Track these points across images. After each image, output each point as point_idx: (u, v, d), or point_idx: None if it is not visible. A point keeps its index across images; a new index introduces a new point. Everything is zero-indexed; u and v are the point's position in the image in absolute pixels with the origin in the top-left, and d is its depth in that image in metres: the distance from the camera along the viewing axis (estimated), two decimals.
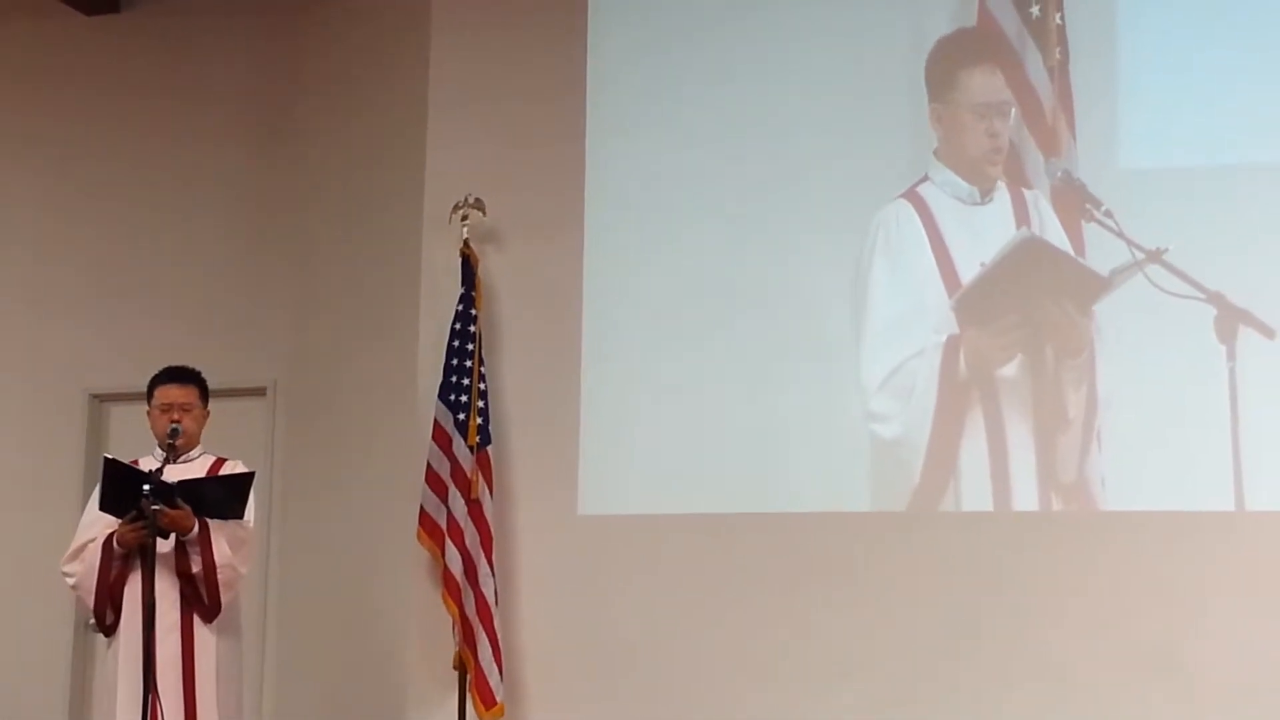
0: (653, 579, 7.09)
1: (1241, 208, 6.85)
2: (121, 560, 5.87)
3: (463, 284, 7.18)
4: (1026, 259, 6.98)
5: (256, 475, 6.20)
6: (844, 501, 7.01)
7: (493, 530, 7.02)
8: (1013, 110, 7.06)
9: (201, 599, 5.89)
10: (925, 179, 7.11)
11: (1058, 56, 7.09)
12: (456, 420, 7.04)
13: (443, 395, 7.08)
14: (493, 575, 6.97)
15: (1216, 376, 6.77)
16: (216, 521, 5.95)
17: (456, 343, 7.11)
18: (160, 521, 5.75)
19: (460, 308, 7.14)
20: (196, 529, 5.90)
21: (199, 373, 6.22)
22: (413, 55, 7.52)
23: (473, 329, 7.12)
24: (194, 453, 6.14)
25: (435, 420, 7.07)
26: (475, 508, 7.01)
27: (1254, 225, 6.84)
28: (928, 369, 6.99)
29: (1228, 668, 6.59)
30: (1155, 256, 6.82)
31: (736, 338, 7.16)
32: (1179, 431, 6.76)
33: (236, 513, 5.95)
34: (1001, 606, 6.79)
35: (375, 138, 7.72)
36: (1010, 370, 6.95)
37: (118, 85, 8.33)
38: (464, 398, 7.05)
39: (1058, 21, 7.10)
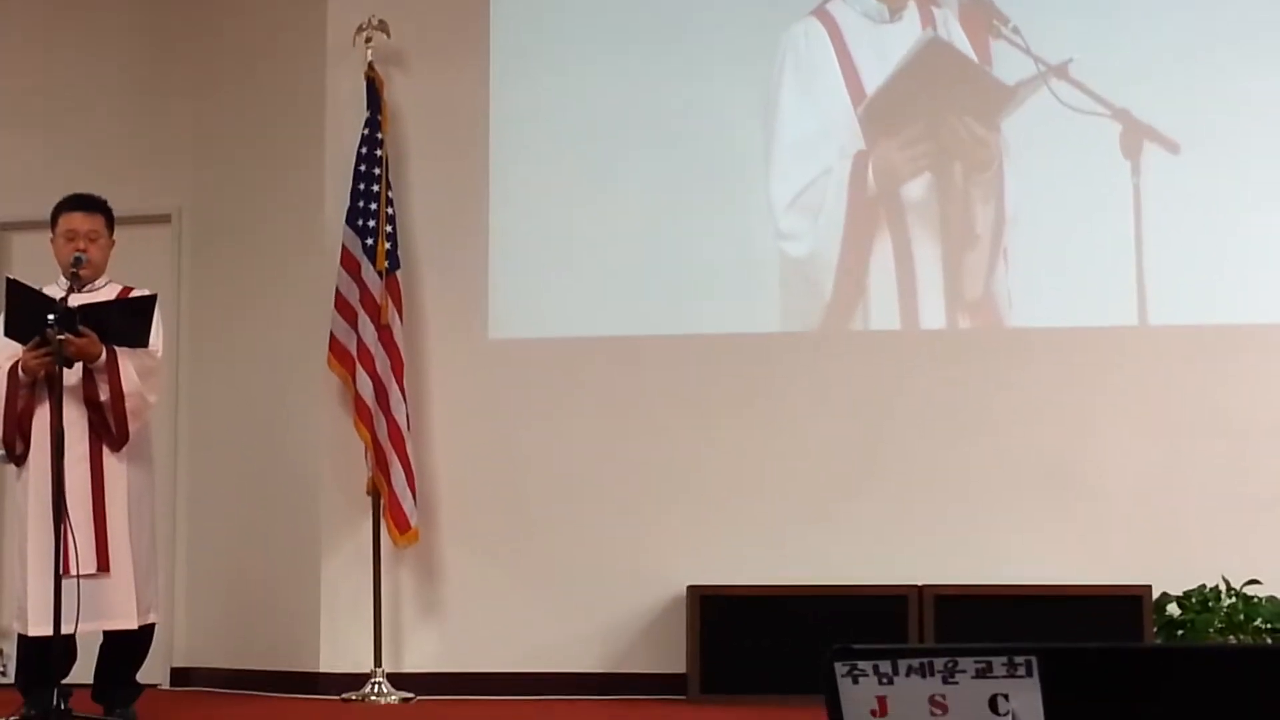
0: (564, 402, 7.13)
1: (1149, 25, 6.91)
2: (28, 389, 5.79)
3: (368, 108, 7.09)
4: (932, 63, 6.96)
5: (164, 305, 6.11)
6: (756, 321, 7.05)
7: (403, 355, 7.00)
8: None
9: (110, 428, 5.84)
10: None
11: None
12: (365, 245, 6.98)
13: (350, 220, 7.02)
14: (404, 400, 6.97)
15: (1122, 192, 6.85)
16: (125, 350, 5.87)
17: (363, 167, 7.03)
18: (66, 350, 5.65)
19: (366, 132, 7.06)
20: (104, 357, 5.82)
21: (104, 200, 6.08)
22: None
23: (379, 153, 7.04)
24: (100, 282, 6.01)
25: (343, 246, 7.01)
26: (385, 333, 6.98)
27: (1160, 42, 6.89)
28: (836, 186, 6.99)
29: (1129, 476, 6.78)
30: (1061, 71, 6.83)
31: (646, 160, 7.13)
32: (1085, 248, 6.86)
33: (141, 340, 5.85)
34: (909, 422, 6.90)
35: None
36: (918, 186, 6.97)
37: None
38: (372, 223, 6.99)
39: None
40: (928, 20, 7.01)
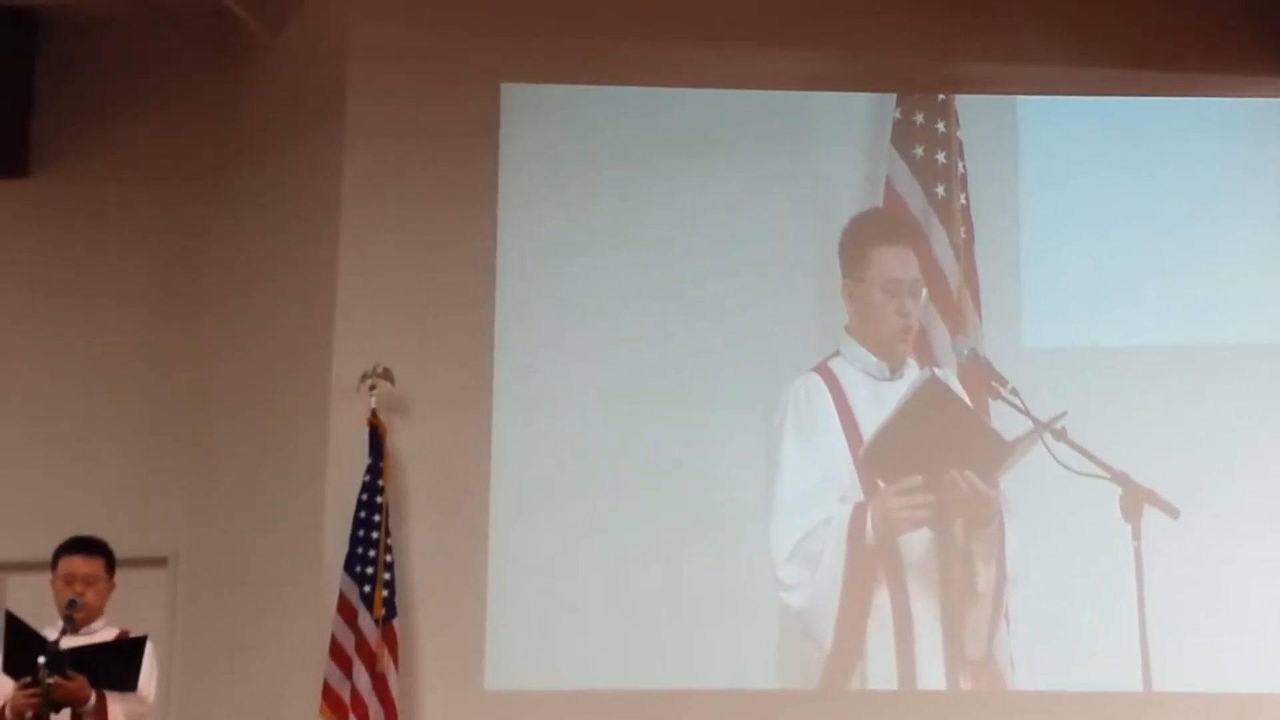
0: None
1: (1145, 388, 7.02)
2: None
3: (370, 454, 7.13)
4: (930, 407, 7.01)
5: (158, 648, 6.06)
6: (754, 675, 6.96)
7: (398, 705, 6.89)
8: (923, 290, 7.15)
9: None
10: (836, 354, 7.17)
11: (963, 236, 7.22)
12: (362, 593, 6.95)
13: (348, 567, 7.00)
14: None
15: (1123, 555, 6.85)
16: (115, 694, 5.80)
17: (363, 514, 7.04)
18: (55, 694, 5.59)
19: (367, 478, 7.09)
20: (93, 701, 5.74)
21: (105, 544, 6.09)
22: (322, 223, 7.52)
23: (380, 500, 7.06)
24: (96, 624, 5.97)
25: (340, 592, 6.97)
26: (380, 682, 6.89)
27: (1157, 405, 6.99)
28: (835, 535, 6.99)
29: None
30: (1061, 435, 6.88)
31: (646, 510, 7.14)
32: (1087, 610, 6.84)
33: (130, 684, 5.79)
34: None
35: (283, 305, 7.67)
36: (918, 540, 6.96)
37: (23, 249, 8.23)
38: (370, 570, 6.97)
39: (962, 202, 7.24)
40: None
